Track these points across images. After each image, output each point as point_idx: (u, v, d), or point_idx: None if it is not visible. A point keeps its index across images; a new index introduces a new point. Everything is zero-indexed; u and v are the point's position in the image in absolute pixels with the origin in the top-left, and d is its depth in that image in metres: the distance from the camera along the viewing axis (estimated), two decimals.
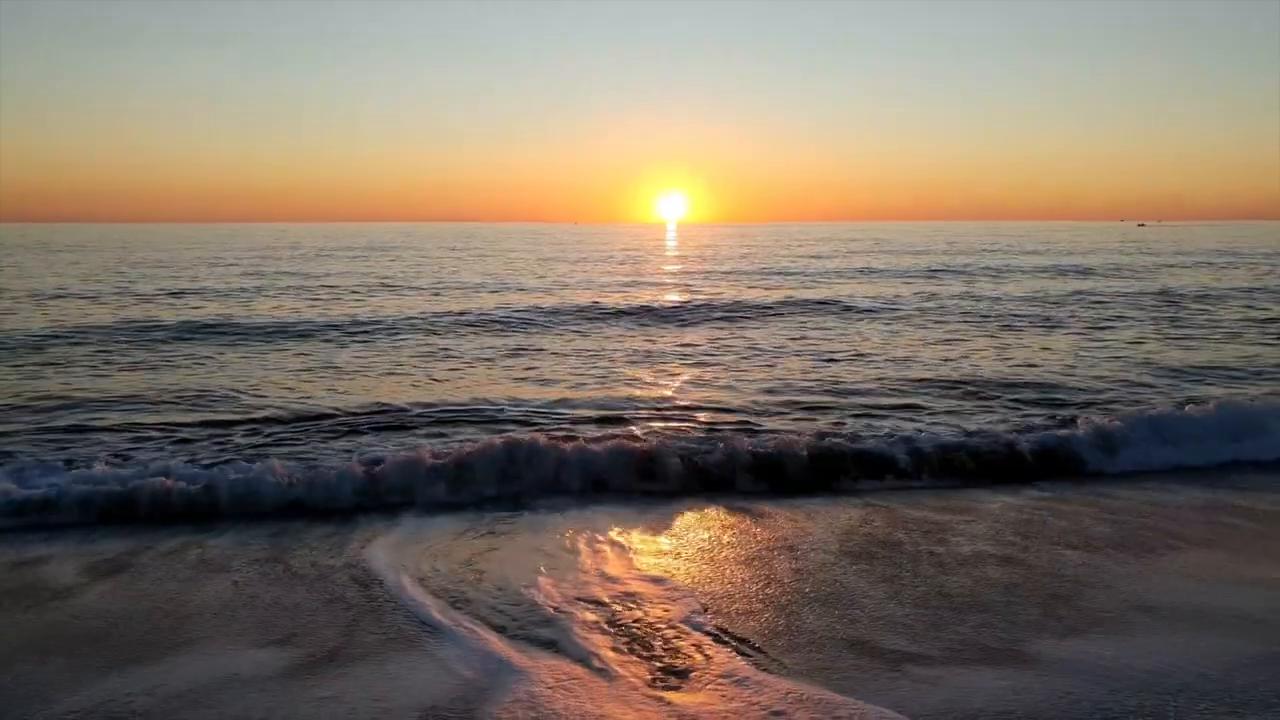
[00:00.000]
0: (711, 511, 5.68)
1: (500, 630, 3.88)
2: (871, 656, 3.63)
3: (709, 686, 3.39)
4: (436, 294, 22.03)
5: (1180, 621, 3.93)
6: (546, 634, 3.84)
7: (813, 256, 41.47)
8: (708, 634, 3.84)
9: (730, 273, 30.30)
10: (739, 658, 3.61)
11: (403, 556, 4.82)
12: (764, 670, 3.50)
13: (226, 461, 6.47)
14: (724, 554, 4.89)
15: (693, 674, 3.48)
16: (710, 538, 5.20)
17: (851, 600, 4.21)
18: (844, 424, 7.84)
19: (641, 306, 18.44)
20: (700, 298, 20.63)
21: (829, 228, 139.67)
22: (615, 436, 6.98)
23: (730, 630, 3.89)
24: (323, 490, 5.71)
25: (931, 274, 28.70)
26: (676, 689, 3.37)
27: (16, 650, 3.74)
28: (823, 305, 19.03)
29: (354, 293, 22.13)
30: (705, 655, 3.64)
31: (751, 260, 38.15)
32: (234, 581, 4.49)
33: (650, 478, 6.05)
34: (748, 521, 5.46)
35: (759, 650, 3.68)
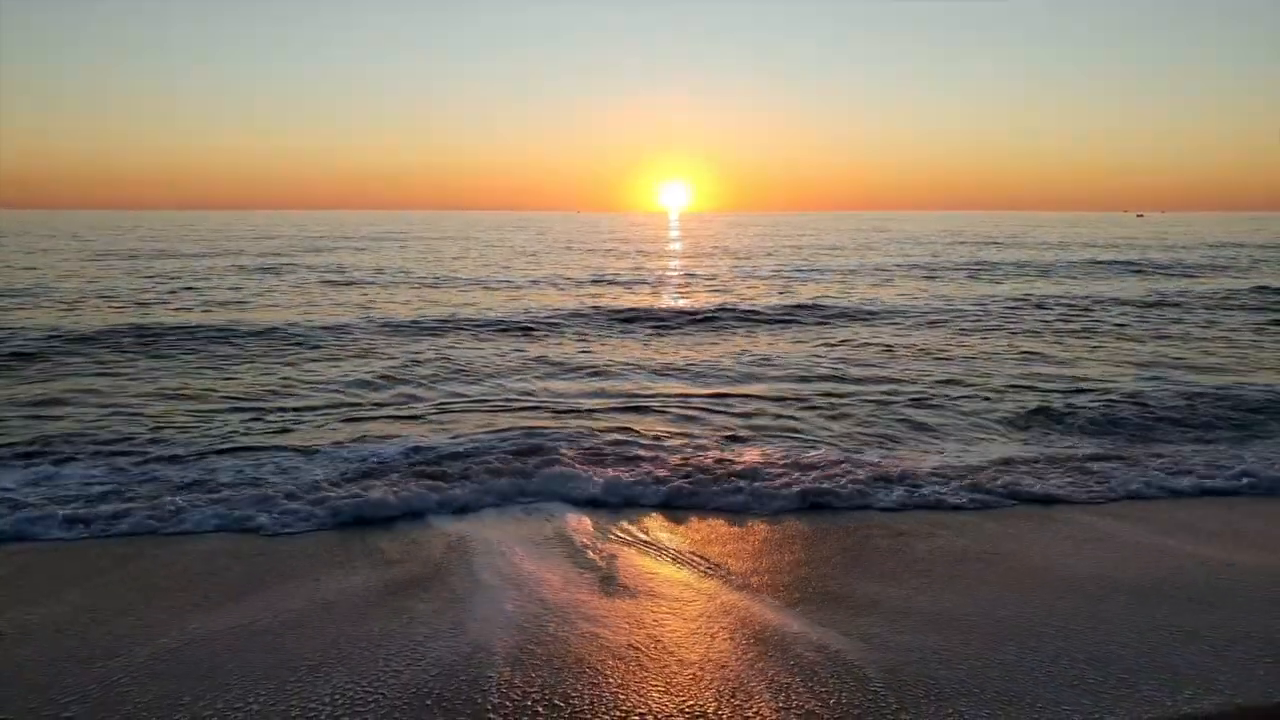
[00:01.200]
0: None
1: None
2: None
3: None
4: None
5: None
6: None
7: (865, 248, 39.82)
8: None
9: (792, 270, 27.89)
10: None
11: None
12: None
13: None
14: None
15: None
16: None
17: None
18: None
19: (721, 309, 17.01)
20: (789, 299, 18.73)
21: (831, 218, 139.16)
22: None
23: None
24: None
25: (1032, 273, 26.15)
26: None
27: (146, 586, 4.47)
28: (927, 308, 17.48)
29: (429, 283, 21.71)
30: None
31: (791, 254, 36.36)
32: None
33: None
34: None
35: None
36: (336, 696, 3.47)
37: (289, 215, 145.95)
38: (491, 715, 3.34)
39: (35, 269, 25.18)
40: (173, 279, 22.84)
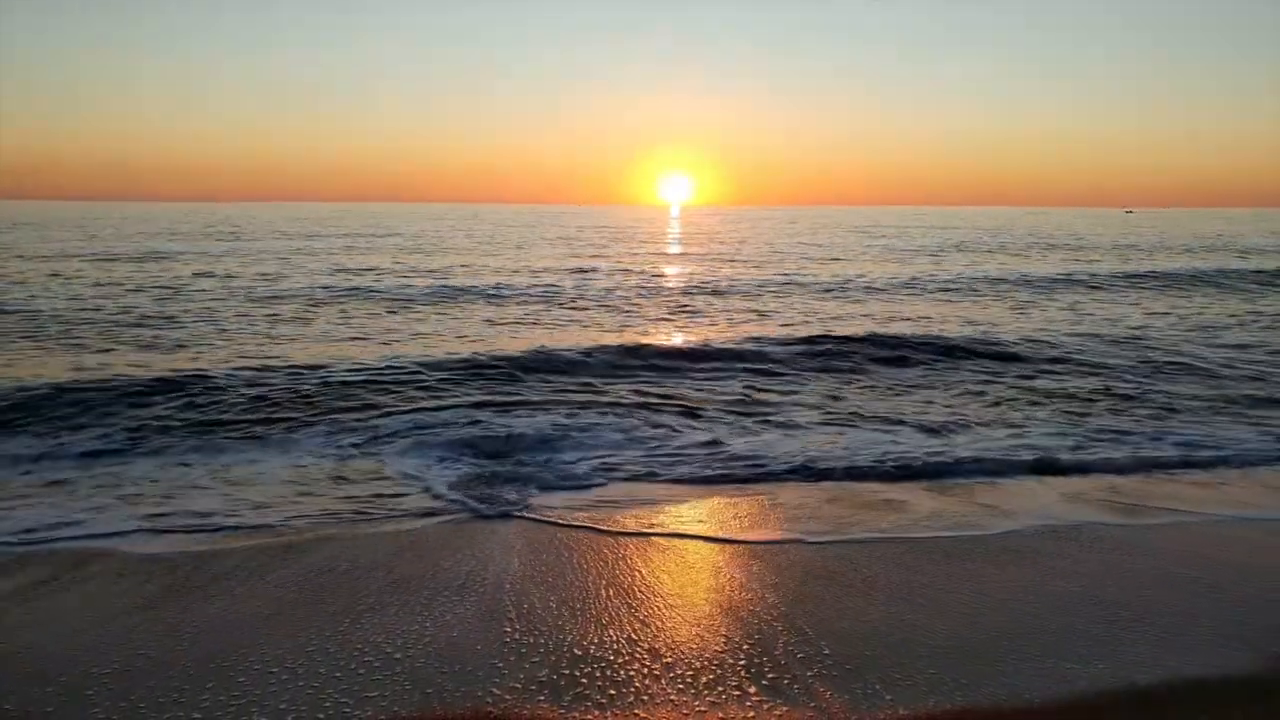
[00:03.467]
0: None
1: None
2: None
3: None
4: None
5: None
6: None
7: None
8: None
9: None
10: None
11: None
12: None
13: None
14: None
15: None
16: None
17: None
18: None
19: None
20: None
21: (845, 213, 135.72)
22: None
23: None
24: None
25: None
26: None
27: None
28: None
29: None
30: None
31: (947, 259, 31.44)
32: None
33: None
34: None
35: None
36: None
37: (285, 208, 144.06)
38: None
39: None
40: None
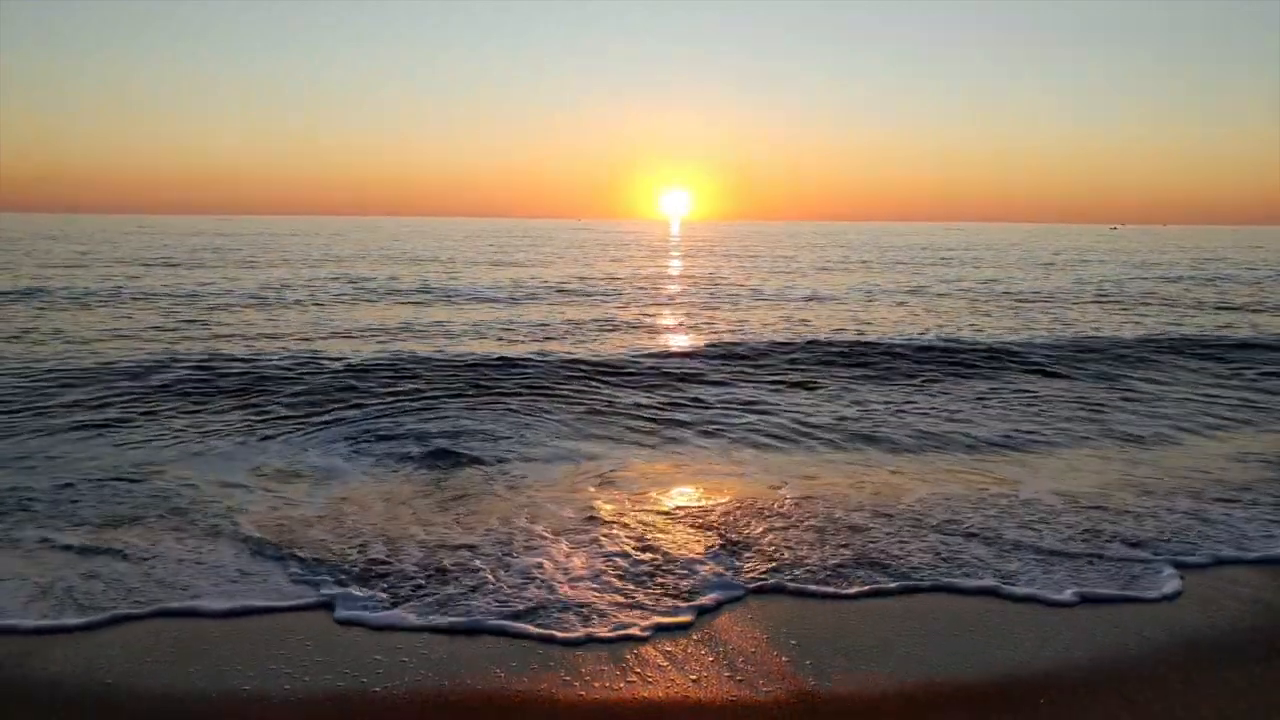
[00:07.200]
0: None
1: None
2: None
3: None
4: None
5: None
6: None
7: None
8: None
9: None
10: None
11: None
12: None
13: None
14: None
15: None
16: None
17: None
18: None
19: None
20: None
21: (840, 229, 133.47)
22: None
23: None
24: None
25: None
26: None
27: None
28: None
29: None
30: None
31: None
32: None
33: None
34: None
35: None
36: None
37: (283, 221, 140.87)
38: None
39: None
40: None
